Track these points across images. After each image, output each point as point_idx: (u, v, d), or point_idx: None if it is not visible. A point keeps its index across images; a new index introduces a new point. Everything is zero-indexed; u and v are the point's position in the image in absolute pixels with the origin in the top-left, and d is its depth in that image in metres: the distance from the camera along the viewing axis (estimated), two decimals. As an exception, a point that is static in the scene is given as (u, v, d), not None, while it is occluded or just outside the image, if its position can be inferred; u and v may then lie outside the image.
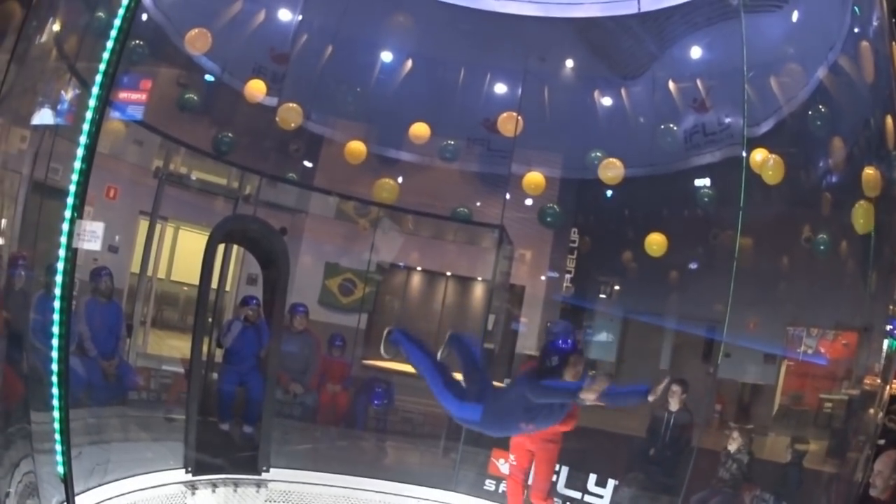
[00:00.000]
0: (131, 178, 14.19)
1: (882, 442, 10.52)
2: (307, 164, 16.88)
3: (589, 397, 7.87)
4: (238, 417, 12.50)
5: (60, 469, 7.17)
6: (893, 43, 9.89)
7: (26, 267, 9.08)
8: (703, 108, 14.82)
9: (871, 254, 10.41)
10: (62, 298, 6.91)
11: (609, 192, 15.25)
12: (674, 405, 12.18)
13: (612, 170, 14.37)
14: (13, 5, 10.55)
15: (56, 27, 9.78)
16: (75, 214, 6.88)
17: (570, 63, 15.46)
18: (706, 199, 14.61)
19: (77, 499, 8.25)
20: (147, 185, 14.01)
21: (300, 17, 14.90)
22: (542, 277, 18.49)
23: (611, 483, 11.61)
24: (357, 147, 15.04)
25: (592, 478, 11.71)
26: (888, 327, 10.42)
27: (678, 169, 15.53)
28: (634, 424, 13.40)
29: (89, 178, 6.90)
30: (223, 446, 11.64)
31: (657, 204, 15.64)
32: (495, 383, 14.50)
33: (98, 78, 7.00)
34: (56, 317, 6.92)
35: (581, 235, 17.44)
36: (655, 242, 14.71)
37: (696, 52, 14.47)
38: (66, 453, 7.13)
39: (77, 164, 6.88)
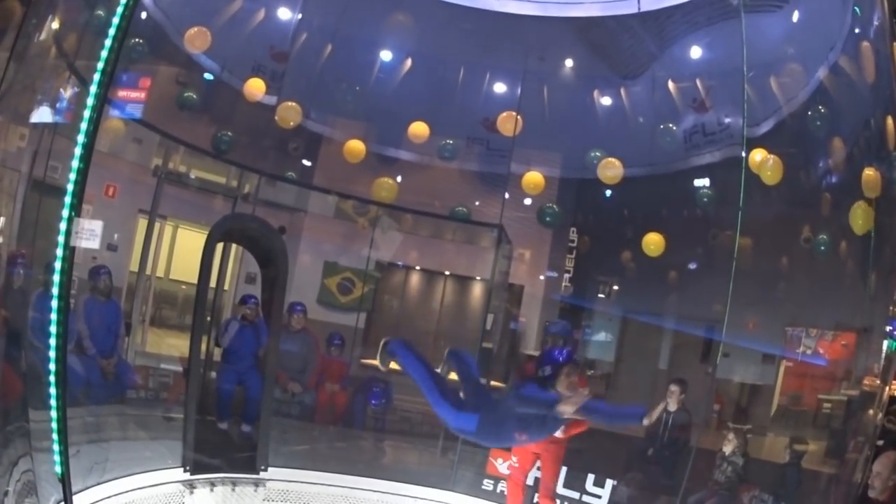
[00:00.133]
0: (130, 176, 14.18)
1: (881, 443, 10.52)
2: (306, 162, 16.89)
3: (566, 410, 7.86)
4: (236, 416, 12.49)
5: (58, 468, 7.15)
6: (894, 43, 9.89)
7: (25, 265, 9.07)
8: (702, 108, 14.82)
9: (871, 254, 10.41)
10: (59, 297, 6.90)
11: (608, 192, 15.24)
12: (672, 405, 12.17)
13: (611, 169, 14.37)
14: (13, 3, 10.54)
15: (55, 25, 9.77)
16: (73, 213, 6.85)
17: (569, 62, 15.47)
18: (705, 200, 14.62)
19: (75, 497, 8.23)
20: (146, 183, 14.01)
21: (300, 16, 14.91)
22: (541, 277, 18.47)
23: (609, 483, 11.60)
24: (356, 146, 15.04)
25: (590, 478, 11.69)
26: (888, 328, 10.41)
27: (677, 169, 15.53)
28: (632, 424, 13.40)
29: (87, 177, 6.88)
30: (221, 445, 11.64)
31: (656, 204, 15.64)
32: (495, 383, 14.65)
33: (96, 76, 6.98)
34: (53, 316, 6.91)
35: (580, 235, 17.42)
36: (653, 242, 14.71)
37: (696, 52, 14.48)
38: (64, 453, 7.12)
39: (75, 163, 6.87)
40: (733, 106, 13.94)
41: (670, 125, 14.90)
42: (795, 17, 12.88)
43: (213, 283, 12.68)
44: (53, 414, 7.06)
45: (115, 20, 7.01)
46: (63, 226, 6.87)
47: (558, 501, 11.37)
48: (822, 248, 12.40)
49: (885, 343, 10.43)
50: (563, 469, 11.45)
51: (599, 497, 11.56)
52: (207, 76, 14.75)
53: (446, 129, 15.64)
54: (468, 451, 12.36)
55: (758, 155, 12.19)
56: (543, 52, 15.02)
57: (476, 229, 16.71)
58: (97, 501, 9.07)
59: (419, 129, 15.18)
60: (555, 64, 15.41)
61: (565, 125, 15.52)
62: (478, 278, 19.41)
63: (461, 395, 8.88)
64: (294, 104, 14.41)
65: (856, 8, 10.77)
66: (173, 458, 10.54)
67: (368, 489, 11.77)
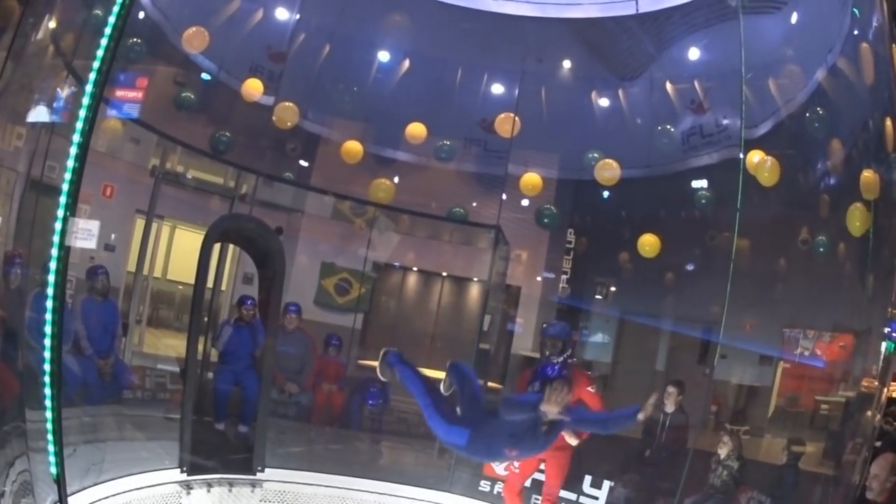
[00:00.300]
0: (128, 176, 14.16)
1: (879, 444, 10.52)
2: (304, 163, 16.88)
3: (551, 410, 7.82)
4: (233, 417, 12.48)
5: (53, 469, 7.14)
6: (893, 45, 9.90)
7: (22, 265, 9.07)
8: (700, 110, 14.83)
9: (870, 256, 10.41)
10: (55, 297, 6.88)
11: (606, 193, 15.24)
12: (669, 406, 12.19)
13: (608, 171, 14.38)
14: (12, 2, 10.54)
15: (52, 24, 9.77)
16: (68, 213, 6.84)
17: (567, 64, 15.47)
18: (703, 201, 14.62)
19: (72, 498, 8.23)
20: (143, 183, 13.98)
21: (298, 16, 14.91)
22: (539, 278, 18.49)
23: (606, 484, 11.60)
24: (353, 146, 15.05)
25: (588, 479, 11.69)
26: (886, 329, 10.42)
27: (675, 170, 15.54)
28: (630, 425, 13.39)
29: (82, 176, 6.86)
30: (218, 446, 11.63)
31: (654, 205, 15.66)
32: (492, 384, 14.63)
33: (92, 75, 6.97)
34: (49, 316, 6.89)
35: (577, 236, 17.43)
36: (648, 243, 14.73)
37: (694, 54, 14.48)
38: (59, 453, 7.11)
39: (70, 163, 6.85)
40: (731, 107, 13.96)
41: (668, 126, 14.92)
42: (794, 18, 12.89)
43: (210, 284, 12.67)
44: (48, 414, 7.04)
45: (112, 19, 7.00)
46: (58, 225, 6.85)
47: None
48: (822, 249, 12.41)
49: (884, 345, 10.44)
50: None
51: (596, 498, 11.56)
52: (205, 76, 14.75)
53: (444, 129, 15.65)
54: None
55: (756, 156, 12.19)
56: (541, 53, 15.03)
57: (473, 230, 16.72)
58: (94, 502, 9.06)
59: (416, 129, 15.20)
60: (553, 65, 15.42)
61: (563, 126, 15.52)
62: (475, 279, 19.41)
63: (457, 408, 8.88)
64: (291, 104, 14.41)
65: (855, 10, 10.77)
66: (170, 458, 10.52)
67: (365, 490, 11.78)
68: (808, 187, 12.47)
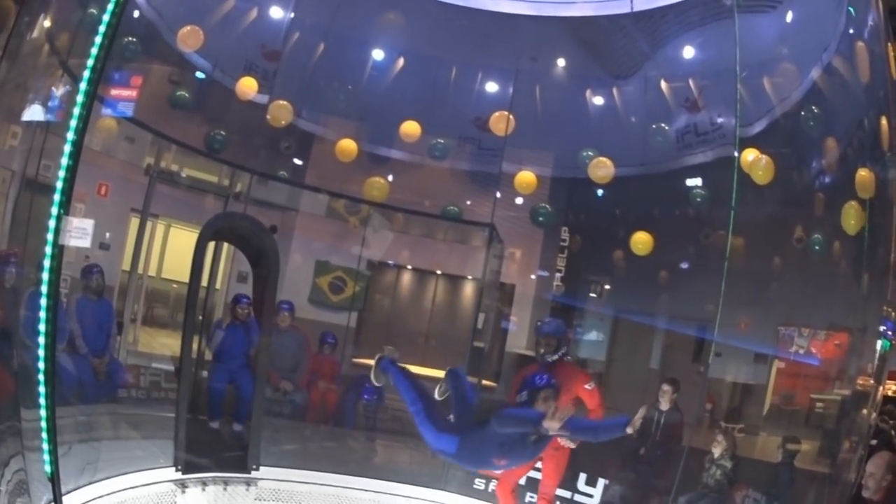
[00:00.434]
0: (122, 175, 14.15)
1: (874, 442, 10.53)
2: (298, 161, 16.89)
3: (552, 426, 7.79)
4: (228, 416, 12.47)
5: (47, 467, 7.14)
6: (889, 44, 9.91)
7: (17, 264, 9.06)
8: (695, 108, 14.84)
9: (865, 255, 10.43)
10: (48, 295, 6.88)
11: (600, 192, 15.26)
12: (664, 404, 12.19)
13: (601, 169, 14.36)
14: (8, 2, 10.53)
15: (47, 23, 9.76)
16: (62, 211, 6.83)
17: (562, 62, 15.48)
18: (698, 199, 14.64)
19: (67, 497, 8.23)
20: (138, 182, 13.97)
21: (292, 15, 14.91)
22: (533, 276, 18.51)
23: (601, 482, 11.60)
24: (348, 145, 15.04)
25: (582, 477, 11.69)
26: (881, 328, 10.43)
27: (670, 168, 15.57)
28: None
29: (76, 175, 6.86)
30: (213, 445, 11.61)
31: (648, 203, 15.69)
32: (486, 382, 14.63)
33: (86, 73, 6.97)
34: (42, 314, 6.89)
35: (572, 234, 17.48)
36: (641, 241, 14.75)
37: (689, 52, 14.51)
38: (53, 451, 7.10)
39: (64, 160, 6.85)
40: (726, 106, 13.98)
41: (662, 125, 14.94)
42: (789, 17, 12.93)
43: (204, 283, 12.66)
44: (43, 413, 7.04)
45: (106, 17, 6.99)
46: (52, 223, 6.85)
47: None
48: (817, 247, 12.42)
49: (879, 343, 10.46)
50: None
51: (591, 496, 11.57)
52: (200, 75, 14.75)
53: (438, 128, 15.64)
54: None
55: (750, 155, 12.20)
56: (536, 51, 15.03)
57: (467, 228, 16.72)
58: (89, 501, 9.05)
59: (411, 128, 15.18)
60: (547, 63, 15.44)
61: (557, 125, 15.52)
62: (469, 277, 19.41)
63: (450, 415, 8.88)
64: (285, 103, 14.40)
65: (850, 8, 10.79)
66: (165, 457, 10.51)
67: (360, 488, 11.77)
68: (803, 186, 12.49)
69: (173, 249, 17.93)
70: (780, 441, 12.05)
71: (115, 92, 11.11)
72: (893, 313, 10.49)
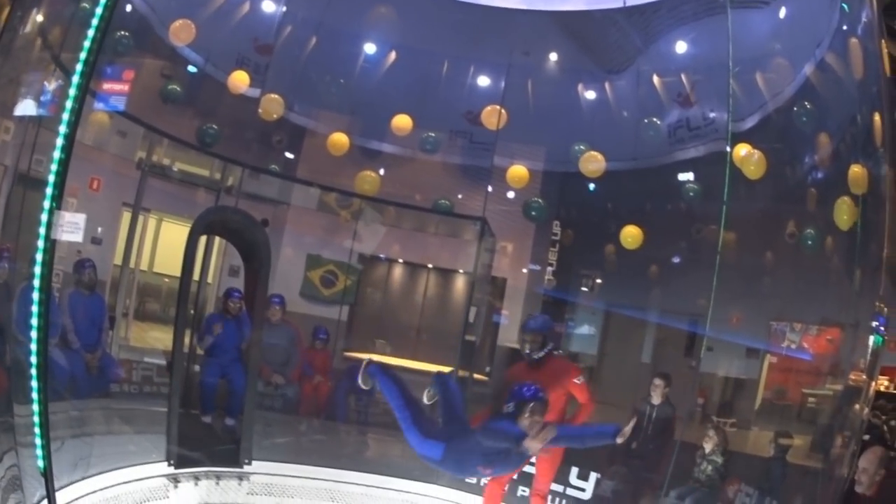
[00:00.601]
0: (114, 169, 14.13)
1: (867, 437, 10.57)
2: (289, 155, 16.87)
3: (534, 446, 7.82)
4: (220, 410, 12.46)
5: (40, 463, 7.13)
6: (882, 40, 9.93)
7: (10, 259, 9.05)
8: (687, 103, 14.85)
9: (857, 250, 10.45)
10: (41, 290, 6.87)
11: (592, 186, 15.25)
12: (656, 399, 12.22)
13: (592, 163, 14.37)
14: (3, -1, 10.53)
15: (40, 18, 9.74)
16: (54, 205, 6.82)
17: (554, 56, 15.47)
18: (690, 194, 14.64)
19: (60, 493, 8.22)
20: (130, 176, 13.95)
21: (284, 9, 14.89)
22: (524, 270, 18.50)
23: (593, 476, 11.62)
24: (340, 139, 15.02)
25: (574, 471, 11.71)
26: (874, 323, 10.46)
27: (662, 163, 15.57)
28: (617, 418, 13.43)
29: (68, 169, 6.84)
30: (205, 439, 11.62)
31: (641, 198, 15.69)
32: (477, 375, 14.62)
33: (79, 67, 6.95)
34: (35, 308, 6.88)
35: (563, 228, 17.47)
36: (631, 235, 14.75)
37: (681, 47, 14.50)
38: (46, 447, 7.09)
39: (56, 154, 6.83)
40: (718, 101, 13.99)
41: (655, 119, 14.94)
42: (782, 13, 12.93)
43: (196, 276, 12.65)
44: (35, 407, 7.02)
45: (99, 10, 6.98)
46: (44, 217, 6.83)
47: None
48: (809, 242, 12.44)
49: (871, 338, 10.49)
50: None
51: (583, 490, 11.59)
52: (191, 69, 14.73)
53: (430, 122, 15.64)
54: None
55: (742, 150, 12.21)
56: (528, 45, 15.02)
57: (459, 222, 16.71)
58: (82, 496, 9.05)
59: (402, 121, 15.17)
60: (539, 57, 15.42)
61: (549, 119, 15.51)
62: (461, 271, 19.44)
63: (437, 421, 8.87)
64: (276, 96, 14.40)
65: (844, 5, 10.81)
66: (157, 452, 10.51)
67: (352, 482, 11.78)
68: (796, 181, 12.52)
69: (165, 243, 17.90)
70: (772, 436, 12.10)
71: (106, 86, 11.04)
72: (885, 309, 10.51)
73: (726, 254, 9.65)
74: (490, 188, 15.65)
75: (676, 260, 16.01)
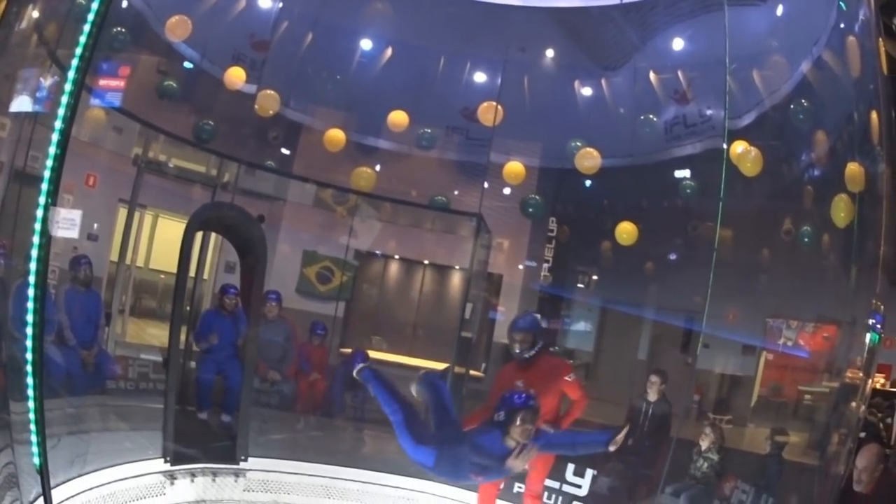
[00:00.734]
0: (110, 165, 14.12)
1: (863, 435, 10.57)
2: (286, 151, 16.86)
3: (516, 466, 7.82)
4: (216, 406, 12.46)
5: (36, 460, 7.12)
6: (880, 39, 9.93)
7: (6, 256, 9.03)
8: (684, 100, 14.86)
9: (854, 248, 10.45)
10: (36, 286, 6.85)
11: (588, 182, 15.26)
12: (652, 395, 12.22)
13: (588, 160, 14.38)
14: (0, -5, 10.48)
15: (35, 14, 9.72)
16: (49, 200, 6.80)
17: (550, 53, 15.48)
18: (687, 191, 14.65)
19: (57, 490, 8.21)
20: (126, 172, 13.94)
21: (280, 5, 14.88)
22: (520, 266, 18.51)
23: (589, 473, 11.58)
24: (336, 135, 15.03)
25: (570, 468, 11.68)
26: (871, 321, 10.46)
27: (658, 160, 15.58)
28: (613, 414, 13.43)
29: (63, 164, 6.83)
30: (201, 436, 11.60)
31: (637, 194, 15.70)
32: (473, 372, 14.59)
33: (74, 62, 6.94)
34: (30, 304, 6.87)
35: (559, 225, 17.47)
36: (625, 231, 14.78)
37: (678, 44, 14.53)
38: (42, 444, 7.08)
39: (52, 150, 6.82)
40: (715, 98, 14.00)
41: (651, 116, 14.96)
42: (779, 10, 12.94)
43: (192, 273, 12.65)
44: (31, 404, 7.01)
45: (94, 5, 6.97)
46: (39, 213, 6.82)
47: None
48: (806, 240, 12.45)
49: (868, 336, 10.48)
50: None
51: (579, 487, 11.54)
52: (188, 65, 14.71)
53: (426, 118, 15.66)
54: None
55: (739, 147, 12.22)
56: (524, 42, 15.02)
57: (455, 218, 16.70)
58: (78, 493, 9.04)
59: (399, 117, 15.18)
60: (536, 54, 15.45)
61: (546, 115, 15.51)
62: (457, 267, 19.43)
63: (429, 425, 8.86)
64: (272, 92, 14.40)
65: (841, 3, 10.82)
66: (154, 449, 10.49)
67: (349, 479, 11.76)
68: (792, 178, 12.53)
69: (161, 240, 17.89)
70: (768, 433, 12.10)
71: (103, 82, 11.07)
72: (882, 306, 10.51)
73: (723, 251, 9.65)
74: (486, 184, 15.65)
75: (673, 257, 16.03)
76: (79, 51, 6.93)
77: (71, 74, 6.94)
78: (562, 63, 15.58)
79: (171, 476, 10.45)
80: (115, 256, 14.61)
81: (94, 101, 11.53)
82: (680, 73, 14.74)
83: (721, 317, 13.45)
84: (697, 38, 13.90)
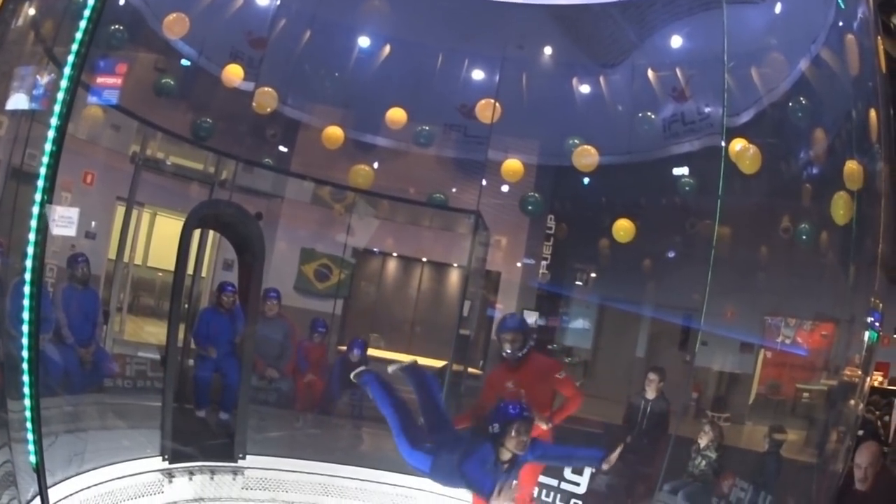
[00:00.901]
0: (108, 163, 14.11)
1: (861, 433, 10.56)
2: (283, 149, 16.84)
3: (498, 502, 7.81)
4: (214, 404, 12.46)
5: (32, 458, 7.11)
6: (878, 37, 9.93)
7: (3, 254, 9.02)
8: (682, 97, 14.85)
9: (852, 246, 10.45)
10: (32, 283, 6.85)
11: (586, 180, 15.26)
12: (650, 393, 12.23)
13: (586, 157, 14.38)
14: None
15: (32, 11, 9.70)
16: (45, 197, 6.79)
17: (548, 50, 15.46)
18: (685, 188, 14.65)
19: (55, 488, 8.22)
20: (124, 170, 13.94)
21: (278, 2, 14.85)
22: (519, 264, 18.50)
23: (587, 471, 11.58)
24: (334, 132, 15.02)
25: (568, 465, 11.71)
26: (869, 319, 10.46)
27: (657, 157, 15.58)
28: (611, 412, 13.44)
29: (59, 161, 6.82)
30: (199, 434, 11.61)
31: (635, 192, 15.68)
32: (472, 370, 14.58)
33: (70, 58, 6.93)
34: (26, 302, 6.86)
35: (558, 222, 17.45)
36: (623, 228, 14.79)
37: (676, 41, 14.50)
38: (38, 442, 7.08)
39: (48, 146, 6.81)
40: (714, 95, 13.97)
41: (649, 113, 14.94)
42: (778, 8, 12.92)
43: (190, 271, 12.64)
44: (27, 402, 7.02)
45: (91, 1, 6.96)
46: (35, 209, 6.81)
47: (535, 490, 11.37)
48: (804, 237, 12.45)
49: (867, 334, 10.48)
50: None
51: (578, 484, 11.54)
52: (185, 62, 14.69)
53: (424, 115, 15.63)
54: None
55: (738, 144, 12.22)
56: (522, 39, 15.01)
57: (453, 216, 16.73)
58: (76, 492, 9.03)
59: (397, 115, 15.17)
60: (534, 51, 15.41)
61: (544, 113, 15.49)
62: (455, 265, 19.42)
63: (422, 426, 8.85)
64: (270, 90, 14.37)
65: (839, 1, 10.80)
66: (152, 447, 10.49)
67: (346, 477, 11.76)
68: (791, 176, 12.51)
69: (159, 237, 17.88)
70: (766, 430, 12.10)
71: (100, 80, 11.06)
72: (881, 304, 10.51)
73: (721, 248, 9.65)
74: (484, 182, 15.64)
75: (671, 254, 16.03)
76: (75, 47, 6.92)
77: (67, 70, 6.93)
78: (560, 60, 15.55)
79: (170, 474, 10.47)
80: (112, 254, 14.60)
81: (92, 99, 11.53)
82: (678, 71, 14.72)
83: (719, 314, 13.44)
84: (696, 35, 13.88)
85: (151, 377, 12.54)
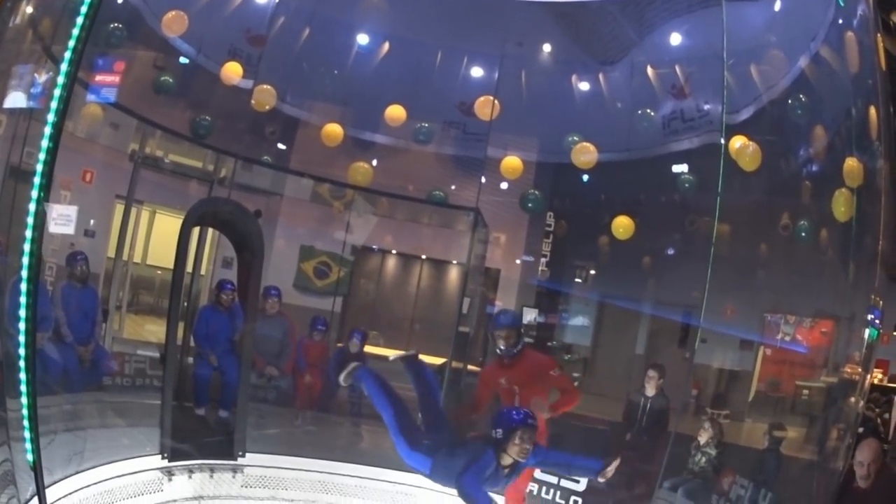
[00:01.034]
0: (107, 161, 14.10)
1: (861, 430, 10.56)
2: (282, 146, 16.83)
3: None
4: (214, 402, 12.45)
5: (29, 456, 7.10)
6: (878, 34, 9.92)
7: (1, 253, 9.00)
8: (681, 95, 14.83)
9: (852, 243, 10.44)
10: (28, 280, 6.84)
11: (586, 177, 15.24)
12: (650, 390, 12.23)
13: (585, 154, 14.35)
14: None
15: (30, 9, 9.69)
16: (42, 194, 6.78)
17: (547, 47, 15.44)
18: (685, 185, 14.63)
19: (54, 487, 8.21)
20: (123, 168, 13.93)
21: (277, 0, 14.84)
22: (518, 261, 18.50)
23: (588, 468, 11.59)
24: (333, 130, 14.98)
25: (568, 463, 11.69)
26: (869, 316, 10.46)
27: (656, 154, 15.56)
28: (611, 409, 13.44)
29: (56, 158, 6.81)
30: (199, 432, 11.60)
31: (634, 189, 15.66)
32: (471, 367, 14.57)
33: (67, 54, 6.92)
34: (23, 299, 6.85)
35: (557, 219, 17.43)
36: (622, 225, 14.78)
37: (675, 39, 14.50)
38: (35, 440, 7.06)
39: (44, 143, 6.79)
40: (713, 92, 13.95)
41: (648, 111, 14.92)
42: (777, 5, 12.91)
43: (189, 268, 12.63)
44: (24, 400, 7.00)
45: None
46: (32, 206, 6.80)
47: (535, 486, 11.35)
48: (804, 234, 12.44)
49: (867, 331, 10.48)
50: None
51: (577, 482, 11.54)
52: (184, 60, 14.67)
53: (423, 112, 15.61)
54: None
55: (737, 142, 12.20)
56: (522, 36, 14.99)
57: (452, 213, 16.72)
58: (75, 490, 9.02)
59: (396, 112, 15.14)
60: (533, 48, 15.40)
61: (543, 110, 15.49)
62: (454, 262, 19.44)
63: (420, 420, 8.83)
64: (269, 87, 14.35)
65: (839, -1, 10.83)
66: (151, 445, 10.49)
67: (346, 474, 11.76)
68: (790, 173, 12.50)
69: (158, 235, 17.89)
70: (766, 427, 12.10)
71: (99, 78, 11.05)
72: (881, 302, 10.50)
73: (721, 245, 9.64)
74: (483, 179, 15.61)
75: (671, 251, 16.01)
76: (72, 42, 6.91)
77: (64, 66, 6.92)
78: (559, 58, 15.54)
79: (169, 472, 10.47)
80: (111, 252, 14.61)
81: (91, 97, 11.52)
82: (677, 68, 14.70)
83: (719, 311, 13.41)
84: (695, 32, 13.87)
85: (151, 375, 12.53)
